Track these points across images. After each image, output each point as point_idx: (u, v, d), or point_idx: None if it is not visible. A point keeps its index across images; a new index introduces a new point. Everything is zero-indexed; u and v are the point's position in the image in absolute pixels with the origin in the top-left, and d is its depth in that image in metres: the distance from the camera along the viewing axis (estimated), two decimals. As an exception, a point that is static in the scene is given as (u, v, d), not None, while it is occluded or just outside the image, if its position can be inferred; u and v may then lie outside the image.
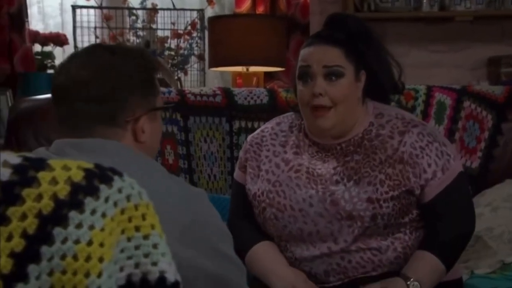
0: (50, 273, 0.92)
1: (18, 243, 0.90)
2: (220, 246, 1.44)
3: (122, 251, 1.01)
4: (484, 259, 2.36)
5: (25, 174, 0.93)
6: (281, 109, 2.49)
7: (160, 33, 3.84)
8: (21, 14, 3.56)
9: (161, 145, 1.65)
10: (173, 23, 3.84)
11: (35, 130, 2.42)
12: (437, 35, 3.96)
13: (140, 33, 3.82)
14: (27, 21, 3.60)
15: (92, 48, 1.60)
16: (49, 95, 1.57)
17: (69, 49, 3.67)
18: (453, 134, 2.73)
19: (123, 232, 1.01)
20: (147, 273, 1.03)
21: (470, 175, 2.61)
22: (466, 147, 2.75)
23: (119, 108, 1.48)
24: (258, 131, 2.14)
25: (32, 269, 0.91)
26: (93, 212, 0.96)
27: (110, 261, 0.98)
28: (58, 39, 3.68)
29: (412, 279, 1.88)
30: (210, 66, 3.66)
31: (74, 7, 3.75)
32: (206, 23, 3.79)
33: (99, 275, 0.95)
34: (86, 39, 3.68)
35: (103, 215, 0.98)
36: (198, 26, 3.87)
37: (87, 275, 0.94)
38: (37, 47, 3.68)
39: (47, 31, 3.80)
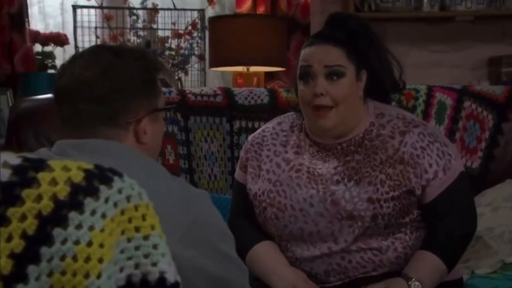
0: (50, 274, 0.92)
1: (17, 244, 0.90)
2: (221, 246, 1.44)
3: (122, 251, 1.01)
4: (484, 259, 2.36)
5: (25, 175, 0.93)
6: (282, 109, 2.49)
7: (160, 33, 3.85)
8: (21, 14, 3.56)
9: (162, 145, 1.65)
10: (173, 23, 3.84)
11: (36, 130, 2.42)
12: (438, 35, 3.96)
13: (141, 33, 3.82)
14: (28, 21, 3.60)
15: (95, 49, 1.60)
16: (49, 95, 1.57)
17: (69, 49, 3.68)
18: (454, 134, 2.73)
19: (123, 232, 1.01)
20: (147, 273, 1.03)
21: (471, 175, 2.61)
22: (466, 147, 2.74)
23: (121, 109, 1.49)
24: (259, 130, 2.14)
25: (31, 270, 0.91)
26: (93, 212, 0.96)
27: (110, 262, 0.98)
28: (59, 39, 3.68)
29: (413, 279, 1.88)
30: (211, 66, 3.66)
31: (75, 7, 3.75)
32: (206, 23, 3.79)
33: (99, 276, 0.95)
34: (86, 39, 3.68)
35: (103, 215, 0.98)
36: (199, 26, 3.87)
37: (86, 276, 0.94)
38: (38, 47, 3.68)
39: (47, 31, 3.80)
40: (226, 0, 4.11)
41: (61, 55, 3.71)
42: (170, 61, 3.81)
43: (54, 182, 0.94)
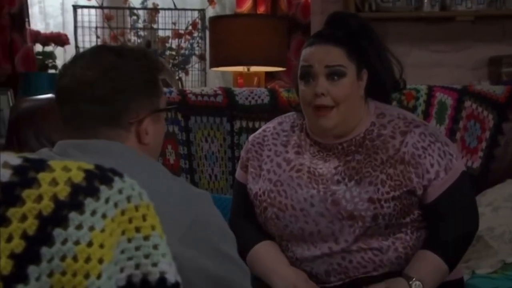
0: (50, 274, 0.92)
1: (18, 244, 0.90)
2: (222, 246, 1.44)
3: (122, 252, 1.01)
4: (485, 259, 2.36)
5: (25, 175, 0.93)
6: (282, 109, 2.49)
7: (161, 33, 3.84)
8: (22, 14, 3.56)
9: (162, 145, 1.65)
10: (174, 23, 3.84)
11: (36, 130, 2.42)
12: (438, 35, 3.96)
13: (141, 33, 3.82)
14: (28, 21, 3.60)
15: (96, 49, 1.60)
16: (50, 95, 1.57)
17: (70, 49, 3.68)
18: (454, 134, 2.73)
19: (123, 233, 1.01)
20: (148, 274, 1.03)
21: (471, 175, 2.60)
22: (467, 147, 2.74)
23: (123, 110, 1.48)
24: (259, 130, 2.14)
25: (32, 270, 0.91)
26: (93, 213, 0.96)
27: (110, 262, 0.98)
28: (59, 39, 3.68)
29: (414, 279, 1.88)
30: (211, 66, 3.66)
31: (75, 7, 3.75)
32: (207, 23, 3.79)
33: (99, 276, 0.95)
34: (87, 39, 3.68)
35: (104, 216, 0.98)
36: (199, 26, 3.87)
37: (86, 276, 0.94)
38: (38, 47, 3.68)
39: (48, 31, 3.80)
40: (227, 0, 4.11)
41: (62, 55, 3.71)
42: (171, 61, 3.81)
43: (54, 182, 0.94)
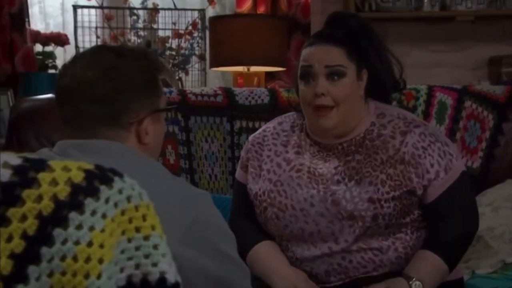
0: (50, 274, 0.92)
1: (18, 244, 0.90)
2: (222, 246, 1.44)
3: (122, 252, 1.01)
4: (485, 259, 2.36)
5: (25, 175, 0.93)
6: (282, 109, 2.49)
7: (161, 33, 3.84)
8: (22, 14, 3.56)
9: (162, 145, 1.65)
10: (174, 23, 3.83)
11: (36, 130, 2.42)
12: (438, 35, 3.96)
13: (141, 33, 3.82)
14: (28, 21, 3.60)
15: (96, 49, 1.60)
16: (50, 95, 1.57)
17: (70, 49, 3.68)
18: (454, 134, 2.73)
19: (123, 233, 1.01)
20: (148, 274, 1.03)
21: (471, 175, 2.60)
22: (467, 147, 2.74)
23: (123, 110, 1.48)
24: (260, 130, 2.14)
25: (32, 270, 0.91)
26: (93, 213, 0.96)
27: (110, 262, 0.98)
28: (59, 39, 3.68)
29: (414, 279, 1.88)
30: (211, 66, 3.66)
31: (75, 7, 3.75)
32: (207, 23, 3.79)
33: (99, 276, 0.95)
34: (87, 39, 3.68)
35: (104, 216, 0.98)
36: (199, 26, 3.87)
37: (86, 276, 0.94)
38: (38, 47, 3.68)
39: (48, 31, 3.80)
40: (227, 0, 4.11)
41: (62, 55, 3.71)
42: (171, 61, 3.81)
43: (54, 182, 0.94)
